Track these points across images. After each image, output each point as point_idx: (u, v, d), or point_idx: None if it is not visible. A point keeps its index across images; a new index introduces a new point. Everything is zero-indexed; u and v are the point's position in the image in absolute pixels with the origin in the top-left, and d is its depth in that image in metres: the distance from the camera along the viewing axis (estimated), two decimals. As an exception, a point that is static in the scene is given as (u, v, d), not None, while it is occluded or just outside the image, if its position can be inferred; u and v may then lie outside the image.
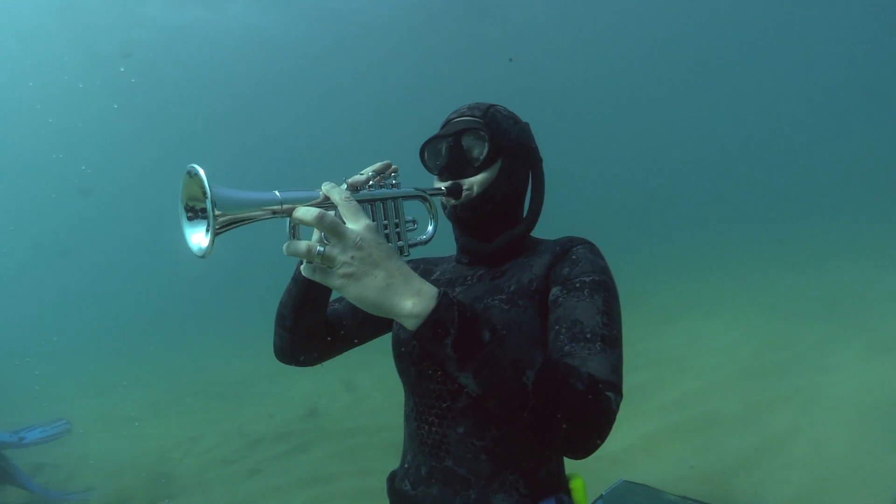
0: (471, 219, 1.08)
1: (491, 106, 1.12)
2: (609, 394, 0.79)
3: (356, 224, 0.71)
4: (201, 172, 0.63)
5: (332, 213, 0.73)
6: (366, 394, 6.51)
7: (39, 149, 24.86)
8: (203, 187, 0.63)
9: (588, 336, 0.86)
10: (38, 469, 4.85)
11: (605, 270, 0.98)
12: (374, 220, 0.87)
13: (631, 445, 3.89)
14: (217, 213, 0.63)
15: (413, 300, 0.71)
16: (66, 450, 5.29)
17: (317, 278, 0.71)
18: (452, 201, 1.07)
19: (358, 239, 0.70)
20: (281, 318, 1.07)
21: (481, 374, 0.73)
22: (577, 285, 0.94)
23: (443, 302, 0.72)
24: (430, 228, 1.00)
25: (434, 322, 0.71)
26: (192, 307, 20.78)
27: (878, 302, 5.97)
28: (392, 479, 1.13)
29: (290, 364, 1.15)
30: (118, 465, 5.06)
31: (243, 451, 5.22)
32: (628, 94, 30.22)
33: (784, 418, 3.94)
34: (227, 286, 23.00)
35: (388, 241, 0.88)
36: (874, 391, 3.99)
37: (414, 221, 0.97)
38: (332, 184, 0.77)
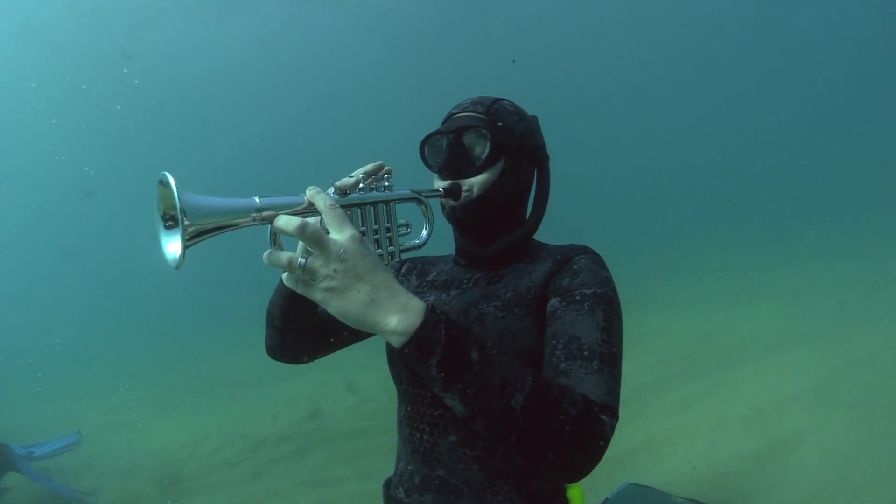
0: (470, 221, 1.04)
1: (496, 100, 1.06)
2: (604, 417, 0.75)
3: (340, 234, 0.68)
4: (171, 181, 0.61)
5: (317, 219, 0.69)
6: (369, 395, 6.48)
7: (42, 150, 24.93)
8: (173, 196, 0.60)
9: (586, 354, 0.82)
10: (44, 472, 4.85)
11: (607, 283, 0.93)
12: (363, 225, 0.84)
13: (635, 447, 3.86)
14: (186, 223, 0.60)
15: (398, 316, 0.68)
16: (70, 452, 5.30)
17: (299, 290, 0.68)
18: (451, 202, 1.03)
19: (341, 251, 0.66)
20: (270, 318, 1.05)
21: (467, 396, 0.70)
22: (578, 298, 0.89)
23: (429, 319, 0.69)
24: (424, 233, 0.96)
25: (419, 340, 0.68)
26: (195, 308, 20.81)
27: (883, 302, 5.93)
28: (387, 485, 1.11)
29: (284, 362, 1.13)
30: (122, 468, 5.08)
31: (247, 453, 5.23)
32: (629, 93, 30.20)
33: (790, 419, 3.91)
34: (229, 287, 23.02)
35: (378, 246, 0.85)
36: (880, 392, 3.95)
37: (407, 225, 0.93)
38: (318, 188, 0.73)
